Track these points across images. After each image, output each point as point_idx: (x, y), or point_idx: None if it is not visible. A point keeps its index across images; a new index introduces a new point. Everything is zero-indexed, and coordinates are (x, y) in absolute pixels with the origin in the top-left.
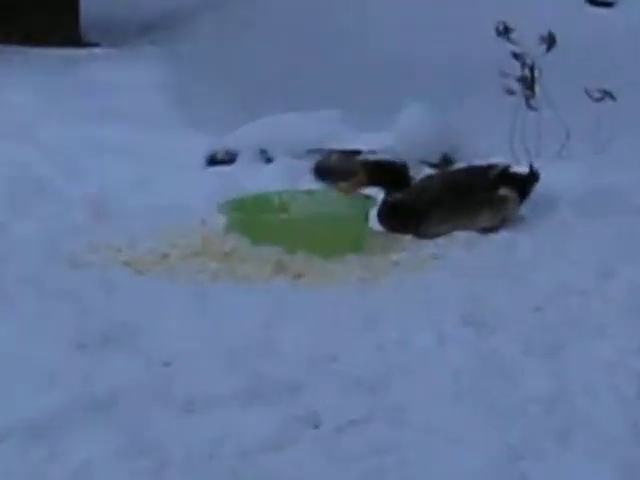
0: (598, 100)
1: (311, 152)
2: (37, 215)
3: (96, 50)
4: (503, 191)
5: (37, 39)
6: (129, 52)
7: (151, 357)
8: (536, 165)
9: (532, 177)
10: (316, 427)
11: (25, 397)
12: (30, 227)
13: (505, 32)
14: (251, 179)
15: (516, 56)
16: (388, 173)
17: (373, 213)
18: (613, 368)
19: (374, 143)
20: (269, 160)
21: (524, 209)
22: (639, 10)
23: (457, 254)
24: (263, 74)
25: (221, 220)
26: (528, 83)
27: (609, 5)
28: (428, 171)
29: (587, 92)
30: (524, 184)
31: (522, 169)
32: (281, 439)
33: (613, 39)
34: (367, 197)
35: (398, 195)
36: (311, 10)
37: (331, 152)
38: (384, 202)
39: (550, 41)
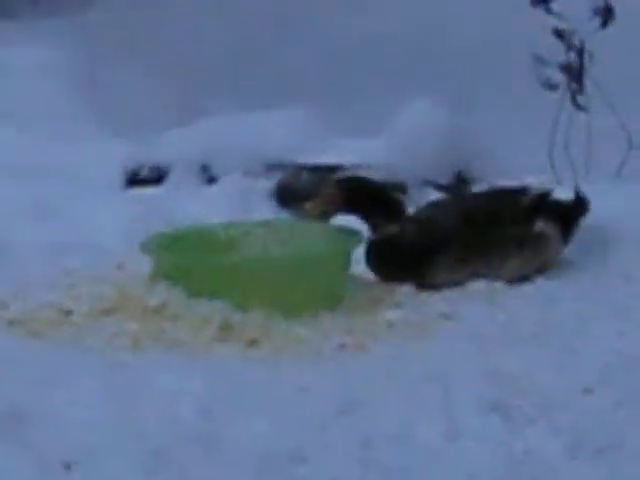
0: None
1: (271, 168)
2: None
3: None
4: (540, 225)
5: None
6: (17, 25)
7: (46, 456)
8: (585, 189)
9: (580, 205)
10: None
11: None
12: None
13: (544, 0)
14: (187, 205)
15: (559, 34)
16: (374, 198)
17: (359, 253)
18: None
19: (360, 155)
20: (212, 179)
21: (569, 250)
22: None
23: (475, 313)
24: (206, 57)
25: (145, 263)
26: (575, 73)
27: None
28: (435, 195)
29: None
30: (569, 215)
31: (566, 194)
32: None
33: None
34: (351, 231)
35: (393, 228)
36: None
37: (299, 168)
38: (374, 238)
39: (606, 14)
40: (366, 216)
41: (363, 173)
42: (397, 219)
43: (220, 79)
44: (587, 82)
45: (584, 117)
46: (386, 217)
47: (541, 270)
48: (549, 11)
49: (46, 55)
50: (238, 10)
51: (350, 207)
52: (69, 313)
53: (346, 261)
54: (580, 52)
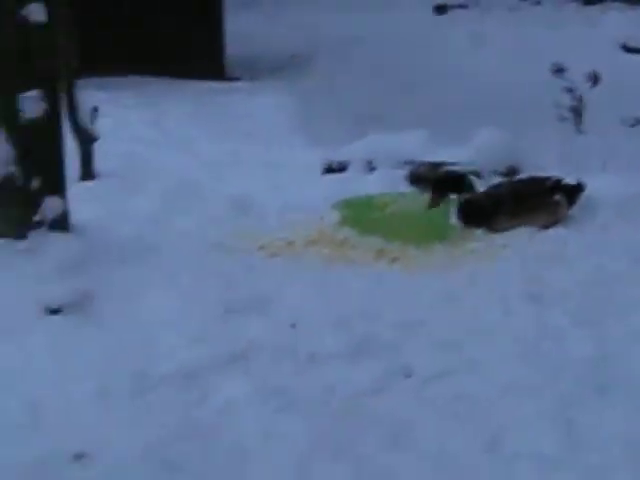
0: (632, 126)
1: (406, 163)
2: (194, 211)
3: (237, 83)
4: (557, 197)
5: (192, 76)
6: (262, 85)
7: (280, 320)
8: (582, 178)
9: (579, 187)
10: (408, 377)
11: (181, 350)
12: (188, 221)
13: (559, 71)
14: (359, 184)
15: (568, 90)
16: (451, 182)
17: (453, 211)
18: None
19: (456, 156)
20: (373, 169)
21: (572, 212)
22: None
23: (521, 245)
24: (369, 103)
25: (335, 216)
26: (577, 112)
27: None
28: (497, 180)
29: (623, 120)
30: (573, 192)
31: (571, 181)
32: (380, 386)
33: None
34: (448, 199)
35: (471, 197)
36: (406, 51)
37: (421, 163)
38: (459, 202)
39: (595, 79)
40: (457, 191)
41: (456, 167)
42: (472, 192)
43: (377, 114)
44: (584, 117)
45: (582, 138)
46: (466, 191)
47: (557, 222)
48: (562, 77)
49: (279, 103)
50: (386, 75)
51: (447, 185)
52: (292, 243)
53: (448, 215)
54: (580, 100)
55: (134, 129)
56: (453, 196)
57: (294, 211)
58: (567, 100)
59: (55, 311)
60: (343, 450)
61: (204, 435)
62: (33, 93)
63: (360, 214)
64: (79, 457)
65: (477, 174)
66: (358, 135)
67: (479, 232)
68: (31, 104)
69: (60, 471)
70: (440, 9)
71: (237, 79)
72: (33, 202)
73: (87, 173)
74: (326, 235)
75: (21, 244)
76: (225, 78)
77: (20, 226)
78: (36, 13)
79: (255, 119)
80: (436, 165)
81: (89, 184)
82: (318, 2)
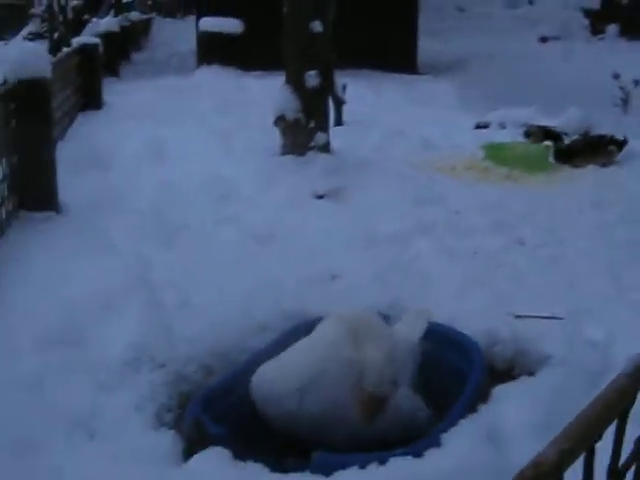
0: None
1: (523, 125)
2: (399, 145)
3: (424, 76)
4: (610, 148)
5: (398, 71)
6: (438, 78)
7: (450, 208)
8: (627, 137)
9: (624, 142)
10: (522, 245)
11: (392, 223)
12: (395, 150)
13: (616, 77)
14: (494, 135)
15: (620, 88)
16: (551, 134)
17: (551, 153)
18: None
19: (553, 123)
20: (504, 127)
21: (620, 157)
22: None
23: (590, 174)
24: (499, 91)
25: (481, 153)
26: (625, 102)
27: None
28: (576, 136)
29: None
30: (620, 145)
31: (619, 138)
32: (507, 248)
33: None
34: (547, 145)
35: (563, 145)
36: (521, 62)
37: (531, 125)
38: (556, 149)
39: (636, 82)
40: (554, 141)
41: (551, 127)
42: (562, 143)
43: (505, 98)
44: (629, 105)
45: (628, 117)
46: (559, 142)
47: (611, 163)
48: (619, 80)
49: (447, 87)
50: (512, 74)
51: (549, 137)
52: (455, 167)
53: (547, 156)
54: (627, 95)
55: (365, 99)
56: (551, 144)
57: (457, 149)
58: (619, 94)
59: (320, 196)
60: None
61: (412, 270)
62: (312, 72)
63: (495, 152)
64: (334, 277)
65: (565, 133)
66: (493, 108)
67: (565, 167)
68: (311, 79)
69: (324, 285)
70: (543, 39)
71: (424, 74)
72: (310, 135)
73: (339, 121)
74: (475, 164)
75: (303, 158)
76: (417, 73)
77: (303, 148)
78: (317, 26)
79: (434, 96)
80: (540, 127)
81: (340, 128)
82: (469, 33)
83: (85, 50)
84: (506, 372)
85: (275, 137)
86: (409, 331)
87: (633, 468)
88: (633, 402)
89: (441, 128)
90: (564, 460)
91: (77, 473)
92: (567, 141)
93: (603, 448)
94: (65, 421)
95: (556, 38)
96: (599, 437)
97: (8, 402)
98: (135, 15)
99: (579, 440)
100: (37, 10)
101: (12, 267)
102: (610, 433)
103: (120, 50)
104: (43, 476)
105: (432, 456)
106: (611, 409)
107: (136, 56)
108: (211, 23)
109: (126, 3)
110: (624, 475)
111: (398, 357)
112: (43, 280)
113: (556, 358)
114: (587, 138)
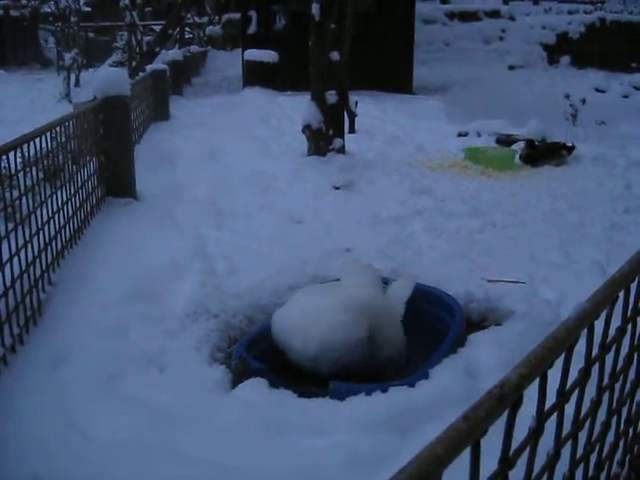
0: (599, 124)
1: (495, 133)
2: (397, 148)
3: (418, 96)
4: (563, 152)
5: (396, 91)
6: (429, 96)
7: (437, 198)
8: (575, 143)
9: (573, 147)
10: (494, 226)
11: (394, 208)
12: (394, 153)
13: (567, 97)
14: (474, 141)
15: (570, 106)
16: (528, 141)
17: (517, 156)
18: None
19: (518, 132)
20: (480, 135)
21: (569, 159)
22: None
23: (547, 172)
24: (478, 106)
25: (462, 155)
26: (574, 116)
27: (604, 92)
28: (537, 142)
29: (595, 121)
30: (570, 149)
31: (569, 144)
32: (482, 229)
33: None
34: (513, 149)
35: (526, 150)
36: (496, 85)
37: (500, 134)
38: (521, 152)
39: (584, 101)
40: (529, 146)
41: (518, 136)
42: (527, 147)
43: (483, 111)
44: (578, 119)
45: (576, 128)
46: (526, 147)
47: (563, 164)
48: (569, 99)
49: (435, 103)
50: (489, 92)
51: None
52: (442, 165)
53: (514, 156)
54: (576, 111)
55: (372, 113)
56: (516, 149)
57: (443, 152)
58: (570, 110)
59: (337, 188)
60: None
61: (408, 245)
62: (331, 92)
63: (473, 154)
64: (348, 250)
65: (531, 140)
66: (473, 120)
67: (527, 166)
68: (331, 97)
69: (339, 255)
70: (511, 67)
71: (418, 94)
72: (329, 140)
73: (352, 130)
74: (457, 163)
75: (324, 158)
76: (412, 93)
77: (324, 151)
78: (335, 56)
79: (426, 111)
80: (508, 135)
81: (353, 135)
82: (453, 62)
83: (156, 74)
84: (479, 323)
85: (303, 142)
86: (399, 293)
87: (577, 391)
88: (577, 339)
89: (431, 135)
90: (523, 382)
91: (151, 398)
92: (532, 147)
93: (553, 375)
94: (142, 359)
95: (521, 67)
96: (550, 365)
97: (100, 345)
98: (194, 48)
99: (535, 367)
100: (119, 44)
101: (102, 238)
102: (559, 364)
103: (183, 75)
104: (128, 400)
105: (422, 386)
106: (560, 344)
107: (195, 80)
108: (253, 54)
109: (187, 38)
110: (569, 395)
111: (393, 313)
112: (125, 249)
113: (518, 313)
114: (545, 144)
